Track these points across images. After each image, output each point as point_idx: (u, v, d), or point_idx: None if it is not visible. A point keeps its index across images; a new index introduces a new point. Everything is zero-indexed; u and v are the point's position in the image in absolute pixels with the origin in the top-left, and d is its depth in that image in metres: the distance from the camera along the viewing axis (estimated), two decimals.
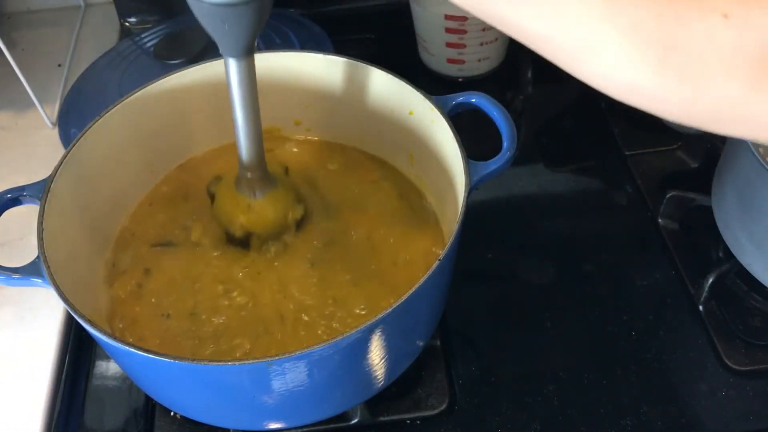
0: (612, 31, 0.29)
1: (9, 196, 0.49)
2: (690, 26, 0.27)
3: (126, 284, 0.54)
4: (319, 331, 0.49)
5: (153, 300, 0.53)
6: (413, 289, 0.41)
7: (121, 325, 0.52)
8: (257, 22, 0.43)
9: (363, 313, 0.50)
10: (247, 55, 0.46)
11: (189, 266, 0.54)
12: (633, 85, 0.30)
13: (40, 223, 0.46)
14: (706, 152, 0.70)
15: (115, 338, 0.41)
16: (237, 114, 0.49)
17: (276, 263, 0.54)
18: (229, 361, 0.39)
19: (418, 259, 0.54)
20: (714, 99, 0.29)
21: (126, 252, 0.56)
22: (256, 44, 0.47)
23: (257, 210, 0.53)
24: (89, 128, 0.53)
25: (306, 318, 0.50)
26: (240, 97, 0.48)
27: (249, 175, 0.53)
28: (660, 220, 0.64)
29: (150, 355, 0.40)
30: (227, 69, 0.47)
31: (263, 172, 0.53)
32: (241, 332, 0.50)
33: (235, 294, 0.52)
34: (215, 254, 0.55)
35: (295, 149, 0.63)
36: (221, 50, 0.46)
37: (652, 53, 0.28)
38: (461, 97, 0.52)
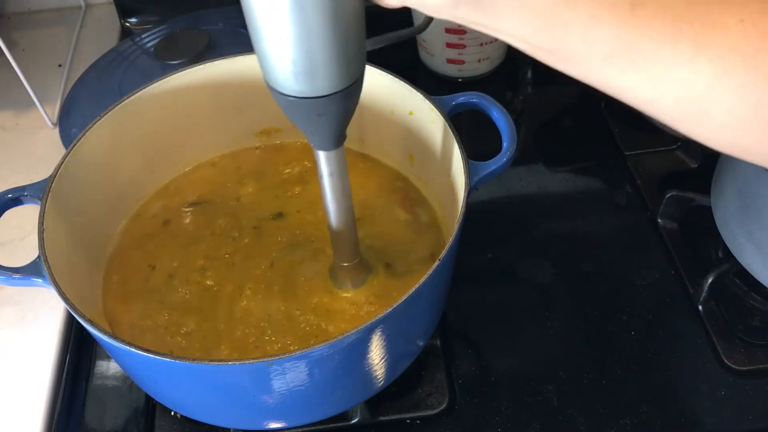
0: (723, 95, 0.28)
1: (10, 196, 0.49)
2: None
3: (144, 227, 0.57)
4: (251, 339, 0.50)
5: (150, 247, 0.56)
6: (413, 289, 0.41)
7: (115, 263, 0.55)
8: (353, 107, 0.40)
9: (292, 348, 0.49)
10: (339, 144, 0.42)
11: (199, 226, 0.57)
12: (742, 145, 0.30)
13: (41, 223, 0.46)
14: (705, 152, 0.70)
15: (115, 338, 0.41)
16: (329, 207, 0.46)
17: (245, 263, 0.55)
18: (229, 361, 0.39)
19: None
20: None
21: (158, 202, 0.60)
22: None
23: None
24: (89, 128, 0.53)
25: (247, 321, 0.51)
26: (332, 189, 0.45)
27: (344, 265, 0.51)
28: (659, 220, 0.64)
29: (150, 355, 0.40)
30: (318, 161, 0.43)
31: (359, 261, 0.51)
32: (193, 311, 0.52)
33: (208, 274, 0.54)
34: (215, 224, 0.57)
35: (295, 154, 0.63)
36: (312, 144, 0.42)
37: (761, 116, 0.28)
38: (461, 98, 0.52)
